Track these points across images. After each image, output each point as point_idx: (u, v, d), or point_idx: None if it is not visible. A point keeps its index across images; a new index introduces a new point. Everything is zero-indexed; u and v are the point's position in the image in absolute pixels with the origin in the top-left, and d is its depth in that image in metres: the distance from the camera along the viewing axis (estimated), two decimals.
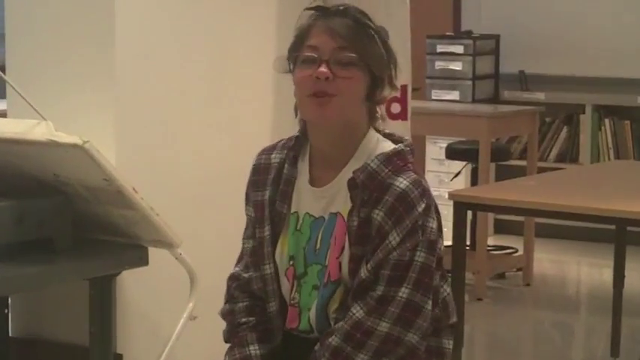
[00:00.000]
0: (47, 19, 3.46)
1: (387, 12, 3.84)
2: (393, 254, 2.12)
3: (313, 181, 2.23)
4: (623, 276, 4.38)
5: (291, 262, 2.23)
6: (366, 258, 2.15)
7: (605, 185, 4.11)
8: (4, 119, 3.40)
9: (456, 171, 6.17)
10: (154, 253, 3.18)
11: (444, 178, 6.57)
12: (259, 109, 3.83)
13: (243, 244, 2.32)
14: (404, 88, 3.89)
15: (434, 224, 2.17)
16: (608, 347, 4.46)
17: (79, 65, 3.40)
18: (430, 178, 6.67)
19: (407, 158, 2.19)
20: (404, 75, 3.88)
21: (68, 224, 3.04)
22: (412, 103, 3.95)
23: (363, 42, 2.16)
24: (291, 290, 2.24)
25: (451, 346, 2.27)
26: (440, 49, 6.62)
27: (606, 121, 6.69)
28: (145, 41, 3.45)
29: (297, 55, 2.18)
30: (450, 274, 3.71)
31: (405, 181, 2.14)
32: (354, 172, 2.16)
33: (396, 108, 3.89)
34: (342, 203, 2.19)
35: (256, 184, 2.27)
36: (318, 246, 2.21)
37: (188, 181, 3.58)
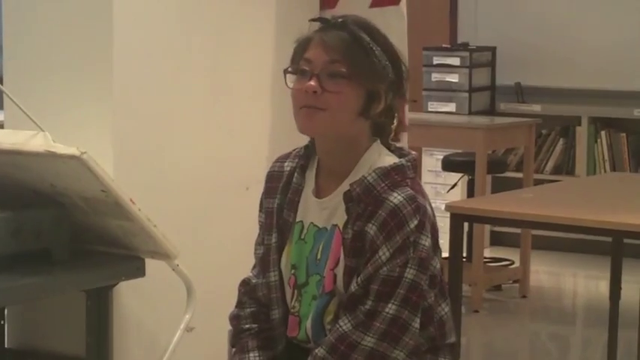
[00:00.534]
0: (45, 30, 3.46)
1: (384, 24, 3.84)
2: (383, 269, 2.12)
3: (317, 192, 2.25)
4: (620, 288, 4.38)
5: (293, 271, 2.24)
6: (358, 271, 2.15)
7: (601, 197, 4.11)
8: (2, 130, 3.40)
9: (453, 183, 6.18)
10: (151, 264, 3.18)
11: (441, 190, 6.57)
12: (258, 121, 3.83)
13: (256, 250, 2.34)
14: None
15: (427, 242, 2.15)
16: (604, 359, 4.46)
17: (77, 76, 3.40)
18: (427, 190, 6.65)
19: (406, 173, 2.18)
20: None
21: (65, 235, 3.04)
22: (409, 115, 3.95)
23: (356, 56, 2.15)
24: (292, 299, 2.25)
25: None
26: (436, 61, 6.64)
27: (602, 133, 6.71)
28: (142, 52, 3.46)
29: (294, 67, 2.20)
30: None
31: (399, 197, 2.13)
32: (350, 185, 2.17)
33: None
34: (341, 215, 2.19)
35: (269, 192, 2.30)
36: (318, 256, 2.22)
37: (186, 193, 3.58)
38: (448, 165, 6.04)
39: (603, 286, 5.49)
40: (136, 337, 3.45)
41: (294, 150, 2.32)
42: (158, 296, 3.44)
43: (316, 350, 2.16)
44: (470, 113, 6.55)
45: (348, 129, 2.18)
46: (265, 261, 2.28)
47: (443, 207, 3.92)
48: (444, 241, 4.70)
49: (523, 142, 6.05)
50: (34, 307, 3.49)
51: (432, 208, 2.22)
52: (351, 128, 2.18)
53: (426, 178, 6.68)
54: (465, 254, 5.45)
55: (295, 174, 2.26)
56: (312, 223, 2.24)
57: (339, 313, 2.18)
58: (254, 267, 2.36)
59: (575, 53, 6.82)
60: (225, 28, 3.71)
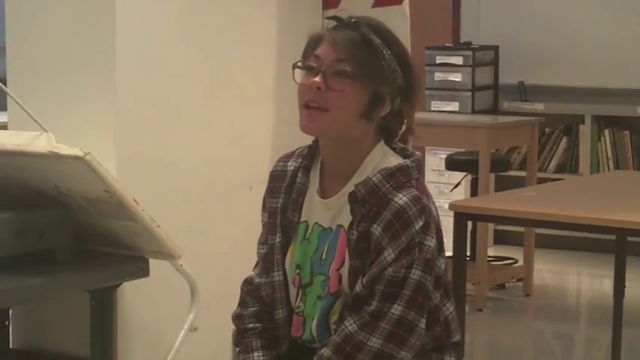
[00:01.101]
0: (48, 31, 3.46)
1: (387, 24, 3.85)
2: (388, 270, 2.12)
3: (322, 192, 2.24)
4: (624, 286, 4.37)
5: (297, 271, 2.24)
6: (363, 272, 2.15)
7: (605, 196, 4.11)
8: (5, 131, 3.41)
9: (456, 182, 6.17)
10: (154, 264, 3.18)
11: (444, 189, 6.57)
12: (260, 121, 3.83)
13: (258, 249, 2.34)
14: None
15: (432, 242, 2.15)
16: (608, 358, 4.46)
17: (80, 77, 3.41)
18: (430, 189, 6.65)
19: (410, 174, 2.18)
20: None
21: (69, 236, 3.04)
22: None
23: (363, 56, 2.15)
24: (296, 299, 2.25)
25: None
26: (439, 60, 6.63)
27: (606, 131, 6.70)
28: (145, 53, 3.46)
29: (303, 62, 2.20)
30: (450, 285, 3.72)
31: (404, 198, 2.13)
32: (355, 186, 2.16)
33: None
34: (346, 216, 2.19)
35: (272, 191, 2.29)
36: (323, 257, 2.22)
37: (189, 193, 3.59)
38: (451, 164, 6.04)
39: (607, 285, 5.48)
40: (140, 337, 3.45)
41: (298, 149, 2.31)
42: (162, 296, 3.45)
43: (322, 350, 2.16)
44: (473, 112, 6.54)
45: (350, 130, 2.17)
46: (269, 260, 2.27)
47: (446, 206, 3.92)
48: (448, 240, 4.70)
49: (526, 141, 6.05)
50: (39, 308, 3.50)
51: (436, 208, 2.22)
52: (353, 129, 2.17)
53: (430, 177, 6.68)
54: (468, 253, 5.45)
55: (299, 174, 2.26)
56: (316, 223, 2.24)
57: (343, 313, 2.18)
58: (256, 265, 2.36)
59: (578, 52, 6.81)
60: (227, 28, 3.71)
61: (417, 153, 2.25)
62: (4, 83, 3.43)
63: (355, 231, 2.15)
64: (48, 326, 3.50)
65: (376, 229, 2.12)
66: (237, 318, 2.32)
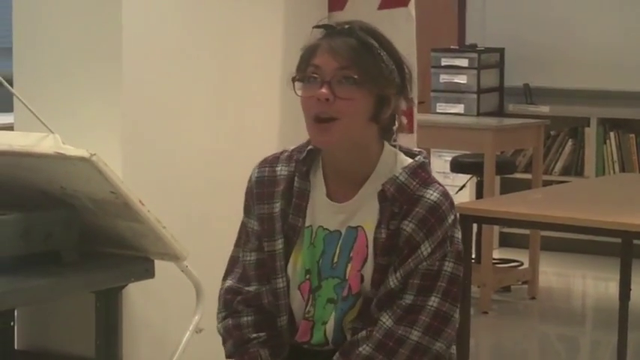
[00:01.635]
0: (54, 32, 3.47)
1: (393, 26, 3.85)
2: (423, 264, 2.17)
3: (331, 196, 2.23)
4: (629, 289, 4.37)
5: (307, 276, 2.23)
6: (393, 267, 2.17)
7: (610, 198, 4.11)
8: (12, 132, 3.41)
9: (461, 184, 6.17)
10: (160, 265, 3.19)
11: (449, 191, 6.56)
12: (267, 123, 3.84)
13: (243, 256, 2.29)
14: (410, 101, 3.90)
15: (459, 235, 2.22)
16: None
17: (86, 78, 3.41)
18: None
19: (429, 170, 2.24)
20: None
21: (75, 237, 3.05)
22: (417, 117, 3.95)
23: (365, 62, 2.15)
24: (307, 304, 2.24)
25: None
26: (445, 62, 6.63)
27: (611, 134, 6.70)
28: (152, 54, 3.47)
29: (302, 74, 2.19)
30: None
31: (435, 193, 2.18)
32: (383, 185, 2.18)
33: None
34: (365, 217, 2.20)
35: (261, 197, 2.26)
36: (335, 260, 2.22)
37: (195, 194, 3.59)
38: (457, 166, 6.04)
39: (613, 288, 5.47)
40: (145, 338, 3.46)
41: (282, 154, 2.28)
42: (167, 297, 3.45)
43: (360, 349, 2.17)
44: (478, 114, 6.54)
45: (361, 135, 2.18)
46: (269, 267, 2.24)
47: None
48: None
49: (532, 143, 6.05)
50: (44, 309, 3.50)
51: None
52: (364, 134, 2.18)
53: None
54: (473, 255, 5.45)
55: (296, 178, 2.23)
56: (320, 226, 2.23)
57: (365, 312, 2.19)
58: (229, 274, 2.30)
59: (584, 54, 6.81)
60: (234, 30, 3.72)
61: (419, 150, 2.29)
62: (11, 84, 3.43)
63: (384, 229, 2.17)
64: (53, 327, 3.51)
65: (408, 226, 2.16)
66: (236, 328, 2.26)
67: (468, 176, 6.06)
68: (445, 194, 2.20)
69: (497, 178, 6.24)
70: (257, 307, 2.25)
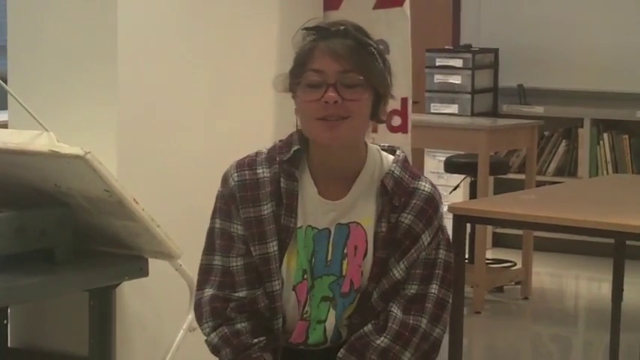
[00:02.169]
0: (49, 30, 3.47)
1: (388, 25, 3.86)
2: (422, 254, 2.23)
3: (322, 194, 2.23)
4: (622, 290, 4.38)
5: (304, 276, 2.22)
6: (395, 259, 2.21)
7: (603, 199, 4.12)
8: (6, 130, 3.41)
9: (455, 184, 6.18)
10: (154, 264, 3.19)
11: (443, 191, 6.49)
12: (262, 122, 3.84)
13: (225, 263, 2.23)
14: (404, 101, 3.91)
15: (444, 224, 2.30)
16: None
17: (81, 77, 3.41)
18: None
19: (410, 163, 2.30)
20: (404, 88, 3.90)
21: (69, 235, 3.05)
22: (411, 117, 3.96)
23: (366, 62, 2.17)
24: (305, 304, 2.23)
25: None
26: (439, 62, 6.64)
27: (605, 135, 6.71)
28: (147, 54, 3.47)
29: (301, 79, 2.18)
30: None
31: (427, 185, 2.25)
32: (383, 180, 2.22)
33: (396, 121, 3.91)
34: (362, 213, 2.22)
35: (246, 200, 2.22)
36: (329, 257, 2.23)
37: (189, 193, 3.59)
38: (450, 166, 6.05)
39: (605, 288, 5.49)
40: (139, 337, 3.46)
41: (257, 156, 2.26)
42: (161, 296, 3.45)
43: (378, 342, 2.19)
44: (472, 115, 6.55)
45: (363, 132, 2.22)
46: (263, 271, 2.21)
47: (445, 208, 3.92)
48: None
49: (525, 144, 6.06)
50: (38, 307, 3.50)
51: None
52: (364, 131, 2.23)
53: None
54: (467, 255, 5.46)
55: (282, 179, 2.22)
56: (309, 225, 2.23)
57: (364, 306, 2.21)
58: (206, 283, 2.24)
59: (578, 55, 6.82)
60: (229, 29, 3.72)
61: (389, 145, 2.33)
62: (5, 82, 3.43)
63: (385, 223, 2.21)
64: (47, 325, 3.51)
65: (406, 218, 2.21)
66: (234, 335, 2.21)
67: (462, 176, 6.07)
68: (434, 185, 2.27)
69: (491, 179, 6.25)
70: (250, 313, 2.23)
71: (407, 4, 3.91)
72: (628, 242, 4.19)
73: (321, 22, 2.23)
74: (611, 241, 4.35)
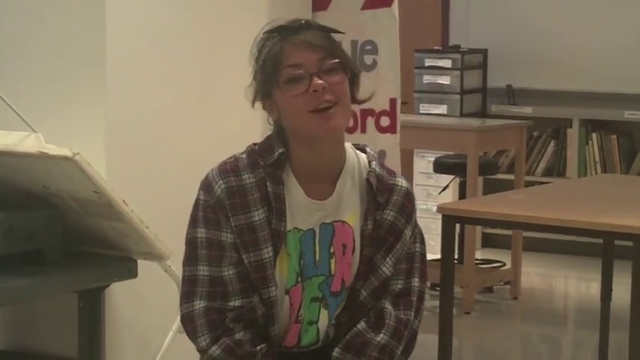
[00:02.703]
0: (37, 32, 3.46)
1: (376, 26, 3.86)
2: (404, 248, 2.26)
3: (309, 195, 2.22)
4: (611, 290, 4.39)
5: (298, 279, 2.21)
6: (381, 256, 2.23)
7: (592, 199, 4.13)
8: None
9: (444, 185, 6.19)
10: (143, 265, 3.18)
11: (432, 192, 6.58)
12: (252, 123, 3.83)
13: (217, 273, 2.18)
14: (393, 101, 3.91)
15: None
16: None
17: (70, 78, 3.41)
18: (418, 192, 6.68)
19: None
20: (393, 89, 3.90)
21: (58, 236, 3.04)
22: (400, 117, 3.96)
23: (336, 47, 2.21)
24: (299, 307, 2.22)
25: None
26: (428, 63, 6.64)
27: (593, 135, 6.73)
28: (135, 55, 3.46)
29: (279, 78, 2.17)
30: (438, 288, 3.73)
31: (403, 181, 2.29)
32: (368, 178, 2.24)
33: (385, 121, 3.91)
34: (345, 211, 2.23)
35: (235, 208, 2.17)
36: (317, 258, 2.22)
37: (178, 194, 3.58)
38: (440, 167, 6.05)
39: (594, 288, 5.50)
40: (128, 338, 3.45)
41: (237, 161, 2.23)
42: (150, 297, 3.45)
43: (377, 339, 2.21)
44: (461, 115, 6.55)
45: (349, 119, 2.26)
46: (258, 277, 2.18)
47: (434, 209, 3.93)
48: (436, 243, 4.69)
49: (514, 144, 6.07)
50: (26, 309, 3.49)
51: None
52: (349, 118, 2.26)
53: (418, 179, 6.69)
54: (456, 256, 5.47)
55: (268, 184, 2.19)
56: (295, 227, 2.22)
57: (353, 304, 2.22)
58: (194, 295, 2.19)
59: (566, 55, 6.84)
60: (218, 30, 3.72)
61: (359, 144, 2.35)
62: None
63: (371, 220, 2.22)
64: (36, 327, 3.50)
65: (389, 215, 2.24)
66: (238, 346, 2.17)
67: (451, 177, 6.08)
68: (407, 181, 2.31)
69: (480, 179, 6.26)
70: (247, 322, 2.19)
71: (395, 5, 3.92)
72: (617, 242, 4.20)
73: (279, 22, 2.24)
74: (600, 241, 4.36)
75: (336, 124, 2.16)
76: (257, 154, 2.23)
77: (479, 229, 6.58)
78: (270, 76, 2.19)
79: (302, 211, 2.22)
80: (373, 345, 2.21)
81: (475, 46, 6.84)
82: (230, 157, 2.25)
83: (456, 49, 6.73)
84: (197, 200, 2.25)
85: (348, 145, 2.27)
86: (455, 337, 3.84)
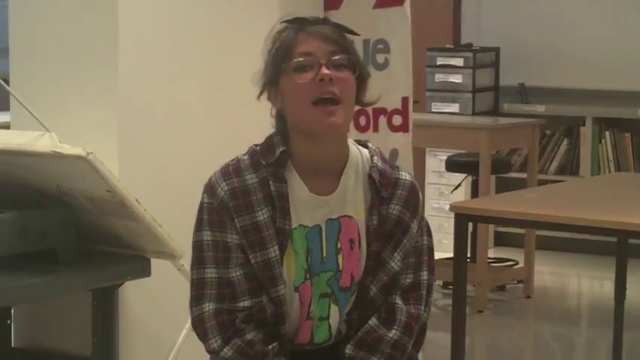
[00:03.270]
0: (50, 32, 3.47)
1: (388, 25, 3.86)
2: (412, 242, 2.26)
3: (313, 191, 2.23)
4: (625, 288, 4.38)
5: (307, 276, 2.22)
6: (389, 251, 2.23)
7: (606, 197, 4.12)
8: (8, 131, 3.42)
9: (456, 183, 6.18)
10: (156, 264, 3.19)
11: (444, 191, 6.57)
12: (263, 121, 3.83)
13: (225, 274, 2.19)
14: (405, 100, 3.91)
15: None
16: None
17: (83, 77, 3.42)
18: (430, 191, 6.68)
19: None
20: (405, 87, 3.90)
21: (71, 235, 3.05)
22: (412, 116, 3.96)
23: (350, 45, 2.22)
24: (309, 304, 2.22)
25: None
26: (440, 61, 6.65)
27: (607, 133, 6.71)
28: (148, 53, 3.47)
29: (288, 64, 2.18)
30: (451, 286, 3.73)
31: (407, 175, 2.29)
32: (370, 173, 2.24)
33: (397, 120, 3.90)
34: (350, 206, 2.23)
35: (239, 209, 2.18)
36: (324, 254, 2.23)
37: (191, 193, 3.57)
38: (452, 165, 6.05)
39: (608, 287, 5.49)
40: (141, 337, 3.46)
41: (239, 162, 2.24)
42: (163, 296, 3.45)
43: (390, 334, 2.21)
44: (473, 114, 6.55)
45: (352, 119, 2.25)
46: (266, 277, 2.19)
47: (447, 207, 3.93)
48: (448, 242, 4.68)
49: (527, 143, 6.06)
50: (41, 307, 3.50)
51: None
52: (352, 118, 2.25)
53: (430, 178, 6.68)
54: (469, 254, 5.46)
55: (270, 183, 2.20)
56: (300, 225, 2.22)
57: (362, 299, 2.22)
58: (204, 298, 2.19)
59: (579, 53, 6.82)
60: (229, 31, 3.72)
61: (361, 140, 2.35)
62: (7, 83, 3.43)
63: (376, 215, 2.22)
64: (50, 325, 3.51)
65: (394, 209, 2.24)
66: (249, 346, 2.18)
67: (463, 175, 6.07)
68: (411, 175, 2.31)
69: (493, 178, 6.26)
70: (257, 321, 2.20)
71: (407, 4, 3.91)
72: (630, 240, 4.19)
73: (298, 14, 2.25)
74: (614, 239, 4.36)
75: (335, 121, 2.16)
76: (259, 154, 2.24)
77: (491, 227, 6.57)
78: (280, 63, 2.20)
79: (306, 207, 2.22)
80: (386, 341, 2.21)
81: (487, 44, 6.83)
82: (232, 159, 2.27)
83: (468, 47, 6.72)
84: (201, 203, 2.26)
85: (350, 141, 2.28)
86: (467, 335, 3.84)
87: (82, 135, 3.31)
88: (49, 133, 3.17)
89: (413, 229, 2.24)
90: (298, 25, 2.22)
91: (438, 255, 2.63)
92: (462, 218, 3.78)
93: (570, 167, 6.83)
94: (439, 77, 6.63)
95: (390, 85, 3.79)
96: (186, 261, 3.21)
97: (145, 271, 3.15)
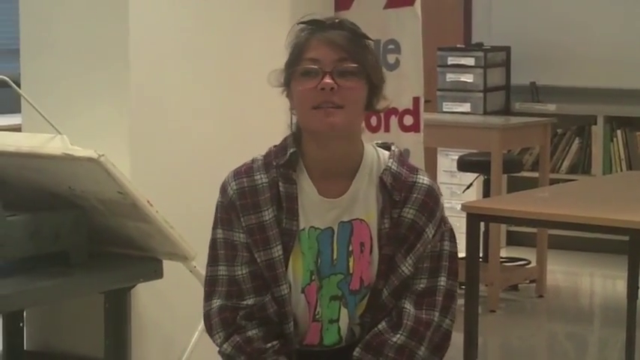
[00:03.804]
0: (61, 34, 3.48)
1: (399, 25, 3.86)
2: (428, 247, 2.23)
3: (323, 194, 2.23)
4: (637, 287, 4.36)
5: (312, 278, 2.22)
6: (401, 255, 2.21)
7: (617, 196, 4.11)
8: (20, 133, 3.43)
9: (468, 183, 6.17)
10: (168, 265, 3.20)
11: (456, 190, 6.56)
12: (274, 122, 3.84)
13: (230, 272, 2.22)
14: (416, 100, 3.91)
15: (446, 215, 2.31)
16: (622, 359, 4.45)
17: (94, 79, 3.42)
18: (442, 190, 6.65)
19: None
20: (416, 87, 3.90)
21: (83, 237, 3.06)
22: (423, 116, 3.96)
23: (361, 52, 2.20)
24: (315, 305, 2.23)
25: None
26: (451, 61, 6.63)
27: (618, 132, 6.69)
28: (159, 56, 3.48)
29: (297, 68, 2.20)
30: (463, 286, 3.73)
31: (425, 178, 2.26)
32: (382, 176, 2.22)
33: (408, 120, 3.90)
34: (363, 209, 2.22)
35: (246, 208, 2.21)
36: (335, 256, 2.23)
37: (202, 194, 3.59)
38: (463, 165, 6.04)
39: (620, 286, 5.47)
40: (153, 339, 3.47)
41: (253, 163, 2.26)
42: (175, 298, 3.46)
43: (394, 339, 2.20)
44: (485, 113, 6.54)
45: (357, 124, 2.23)
46: (270, 276, 2.20)
47: (459, 207, 3.92)
48: (460, 242, 4.68)
49: (538, 142, 6.05)
50: (53, 310, 3.51)
51: None
52: (359, 123, 2.23)
53: (441, 178, 6.67)
54: (481, 254, 5.46)
55: (280, 183, 2.21)
56: (312, 226, 2.23)
57: (375, 303, 2.21)
58: (213, 294, 2.22)
59: (591, 52, 6.80)
60: (240, 31, 3.73)
61: (387, 142, 2.34)
62: (18, 85, 3.44)
63: (388, 219, 2.21)
64: (62, 328, 3.52)
65: (409, 213, 2.22)
66: (247, 343, 2.20)
67: (475, 175, 6.06)
68: (431, 178, 2.28)
69: (504, 177, 6.24)
70: (260, 319, 2.22)
71: (418, 4, 3.91)
72: None
73: (316, 16, 2.25)
74: (626, 238, 4.34)
75: (334, 121, 2.16)
76: (273, 154, 2.27)
77: (503, 227, 6.55)
78: (291, 66, 2.21)
79: (316, 209, 2.22)
80: (389, 345, 2.21)
81: (498, 43, 6.82)
82: (250, 160, 2.29)
83: (479, 46, 6.71)
84: (217, 202, 2.30)
85: (370, 144, 2.27)
86: (480, 335, 3.83)
87: (93, 137, 3.32)
88: (60, 135, 3.18)
89: (428, 233, 2.22)
90: (313, 28, 2.22)
91: None
92: (474, 218, 3.77)
93: (582, 166, 6.81)
94: (450, 77, 6.62)
95: (401, 86, 3.79)
96: (199, 262, 3.22)
97: (157, 273, 3.15)
